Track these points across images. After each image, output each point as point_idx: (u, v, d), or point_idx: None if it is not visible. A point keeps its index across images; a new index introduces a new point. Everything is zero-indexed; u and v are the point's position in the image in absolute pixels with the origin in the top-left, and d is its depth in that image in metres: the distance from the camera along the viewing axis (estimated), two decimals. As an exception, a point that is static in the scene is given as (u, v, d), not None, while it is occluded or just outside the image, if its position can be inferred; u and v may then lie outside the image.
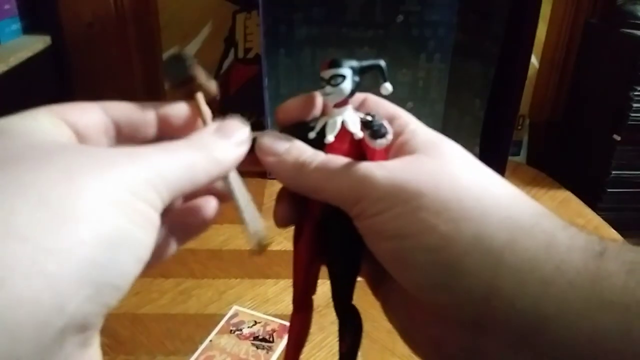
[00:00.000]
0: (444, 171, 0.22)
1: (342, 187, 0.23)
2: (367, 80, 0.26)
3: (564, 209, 0.90)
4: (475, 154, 0.28)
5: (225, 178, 0.24)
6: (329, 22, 0.95)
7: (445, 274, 0.20)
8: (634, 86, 1.00)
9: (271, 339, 0.58)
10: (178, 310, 0.64)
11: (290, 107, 0.27)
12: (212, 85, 0.26)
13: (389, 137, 0.23)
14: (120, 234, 0.17)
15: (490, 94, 0.90)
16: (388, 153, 0.25)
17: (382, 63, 0.25)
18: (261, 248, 0.24)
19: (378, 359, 0.55)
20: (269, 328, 0.60)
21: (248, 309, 0.63)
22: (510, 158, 0.92)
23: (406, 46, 0.98)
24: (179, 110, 0.25)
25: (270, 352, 0.57)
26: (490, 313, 0.20)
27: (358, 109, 0.26)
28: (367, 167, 0.22)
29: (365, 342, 0.26)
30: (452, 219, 0.20)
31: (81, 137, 0.21)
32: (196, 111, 0.26)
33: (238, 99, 1.13)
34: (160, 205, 0.19)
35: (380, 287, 0.27)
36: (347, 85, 0.24)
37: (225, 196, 0.26)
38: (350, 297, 0.27)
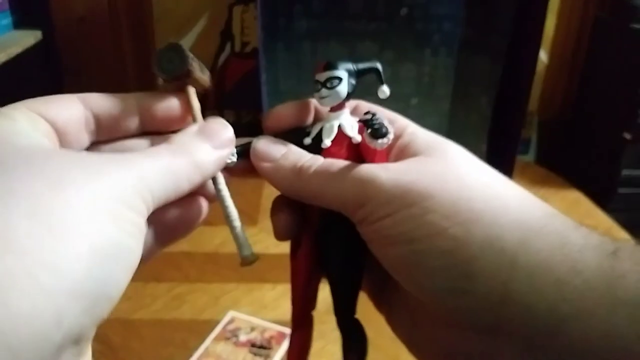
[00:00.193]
0: (450, 172, 0.22)
1: (344, 190, 0.22)
2: (364, 84, 0.25)
3: (575, 210, 0.90)
4: (482, 153, 0.27)
5: (214, 181, 0.24)
6: (330, 15, 0.94)
7: (459, 278, 0.20)
8: (644, 83, 1.00)
9: (269, 346, 0.57)
10: (172, 315, 0.63)
11: (282, 114, 0.26)
12: (206, 77, 0.26)
13: (391, 136, 0.22)
14: (113, 244, 0.17)
15: (497, 90, 0.90)
16: (388, 156, 0.24)
17: (379, 65, 0.25)
18: (253, 258, 0.24)
19: (382, 367, 0.55)
20: (266, 335, 0.60)
21: (245, 314, 0.63)
22: (518, 157, 0.92)
23: (410, 41, 0.97)
24: (163, 102, 0.25)
25: (268, 360, 0.57)
26: (506, 316, 0.20)
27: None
28: (371, 169, 0.22)
29: (368, 350, 0.26)
30: (462, 221, 0.20)
31: (61, 133, 0.21)
32: (185, 105, 0.25)
33: (234, 95, 1.11)
34: (146, 213, 0.19)
35: (383, 297, 0.27)
36: (343, 88, 0.24)
37: (213, 197, 0.25)
38: (354, 311, 0.26)
